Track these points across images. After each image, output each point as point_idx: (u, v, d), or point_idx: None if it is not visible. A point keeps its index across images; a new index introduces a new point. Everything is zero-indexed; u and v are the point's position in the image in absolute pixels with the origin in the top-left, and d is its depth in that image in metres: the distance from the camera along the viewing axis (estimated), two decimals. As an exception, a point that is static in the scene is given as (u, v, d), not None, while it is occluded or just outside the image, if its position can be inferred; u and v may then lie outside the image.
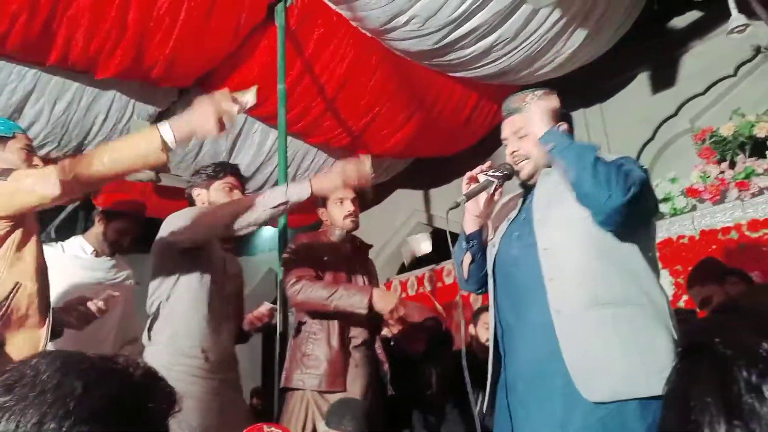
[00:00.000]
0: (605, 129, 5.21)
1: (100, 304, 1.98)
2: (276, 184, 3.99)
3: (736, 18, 3.25)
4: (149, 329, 2.13)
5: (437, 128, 4.83)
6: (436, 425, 2.71)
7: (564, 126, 1.69)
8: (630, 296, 1.47)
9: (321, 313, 2.32)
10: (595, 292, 1.49)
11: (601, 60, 4.50)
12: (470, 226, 1.77)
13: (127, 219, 2.81)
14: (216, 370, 2.13)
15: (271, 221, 2.15)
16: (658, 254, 3.83)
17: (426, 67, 4.21)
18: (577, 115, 5.33)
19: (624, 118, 5.12)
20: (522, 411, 1.55)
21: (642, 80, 5.07)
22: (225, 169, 2.39)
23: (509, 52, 3.83)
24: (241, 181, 2.44)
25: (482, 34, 3.63)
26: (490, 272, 1.73)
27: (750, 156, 3.81)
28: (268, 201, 1.99)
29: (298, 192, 1.99)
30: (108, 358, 0.68)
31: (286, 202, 1.98)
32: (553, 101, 1.71)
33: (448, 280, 5.68)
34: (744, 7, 3.58)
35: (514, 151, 1.73)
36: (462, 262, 1.81)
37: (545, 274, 1.55)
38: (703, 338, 0.35)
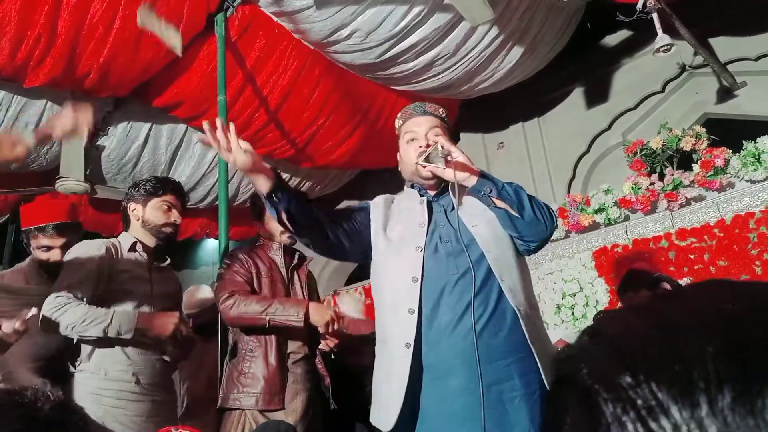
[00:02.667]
0: (543, 142, 5.38)
1: (17, 325, 1.82)
2: (216, 198, 3.92)
3: (662, 38, 3.42)
4: (72, 357, 2.04)
5: (381, 141, 4.86)
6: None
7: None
8: (534, 302, 1.69)
9: (257, 329, 2.27)
10: (529, 297, 1.65)
11: (538, 76, 4.65)
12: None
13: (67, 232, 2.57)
14: (148, 392, 2.06)
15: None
16: (594, 263, 3.91)
17: (369, 80, 4.24)
18: (517, 128, 5.49)
19: (561, 132, 5.30)
20: (500, 408, 1.51)
21: (577, 95, 5.27)
22: (165, 186, 2.29)
23: (450, 68, 3.91)
24: (181, 200, 2.34)
25: (423, 50, 3.69)
26: (412, 276, 1.67)
27: (677, 168, 4.01)
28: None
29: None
30: (15, 391, 0.64)
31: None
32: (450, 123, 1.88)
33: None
34: (669, 27, 3.78)
35: (433, 143, 1.73)
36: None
37: (498, 275, 1.60)
38: (570, 368, 0.35)
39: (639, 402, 0.31)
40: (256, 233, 2.67)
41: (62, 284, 2.01)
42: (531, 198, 1.66)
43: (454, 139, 1.90)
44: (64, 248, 2.27)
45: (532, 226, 1.63)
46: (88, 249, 2.13)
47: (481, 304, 1.58)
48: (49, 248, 2.33)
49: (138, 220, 2.25)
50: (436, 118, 1.81)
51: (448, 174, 1.64)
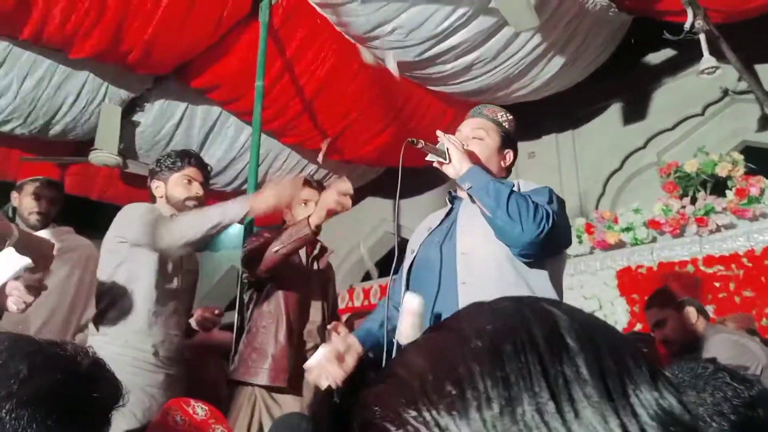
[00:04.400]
0: (575, 155, 5.32)
1: (22, 292, 1.64)
2: (246, 181, 3.95)
3: (707, 59, 3.36)
4: (98, 320, 2.08)
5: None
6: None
7: (509, 154, 1.83)
8: None
9: (273, 304, 2.32)
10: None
11: (576, 88, 4.60)
12: None
13: (58, 188, 2.69)
14: (164, 365, 2.09)
15: (203, 239, 2.12)
16: (616, 282, 3.85)
17: (406, 79, 4.24)
18: (550, 139, 5.44)
19: (594, 146, 5.24)
20: None
21: (614, 111, 5.20)
22: (184, 159, 2.29)
23: (488, 72, 3.89)
24: (203, 172, 2.34)
25: (463, 52, 3.68)
26: (404, 277, 1.77)
27: (710, 194, 3.94)
28: (206, 220, 2.00)
29: (234, 212, 2.03)
30: (57, 343, 0.66)
31: (219, 224, 1.99)
32: (511, 129, 1.86)
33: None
34: (715, 50, 3.72)
35: (467, 147, 1.81)
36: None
37: (460, 277, 1.61)
38: (367, 412, 0.37)
39: (423, 429, 0.35)
40: (281, 219, 2.69)
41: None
42: (516, 199, 1.58)
43: (510, 145, 1.84)
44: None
45: (507, 228, 1.57)
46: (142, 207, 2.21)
47: (441, 303, 1.62)
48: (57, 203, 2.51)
49: (162, 197, 2.28)
50: (489, 120, 1.83)
51: (445, 169, 1.69)
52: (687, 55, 4.59)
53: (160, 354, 2.08)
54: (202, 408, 1.73)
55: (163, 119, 4.37)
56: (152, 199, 2.34)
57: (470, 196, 1.68)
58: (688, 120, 4.85)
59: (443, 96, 4.51)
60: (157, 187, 2.29)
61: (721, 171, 3.89)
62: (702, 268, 3.84)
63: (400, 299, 1.75)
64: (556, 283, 1.66)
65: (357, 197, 6.49)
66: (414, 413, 0.36)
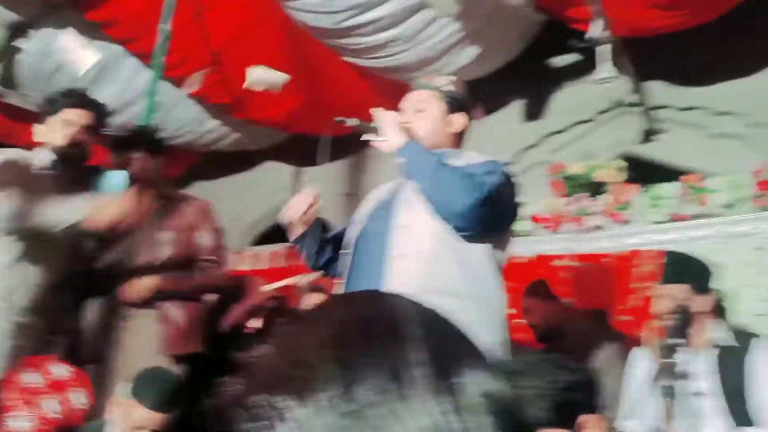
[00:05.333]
0: (477, 144, 5.51)
1: None
2: (139, 127, 3.72)
3: (604, 69, 3.58)
4: None
5: (323, 110, 4.79)
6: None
7: (457, 118, 1.78)
8: (467, 291, 1.54)
9: None
10: (434, 278, 1.55)
11: (484, 80, 4.75)
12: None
13: None
14: (15, 312, 1.95)
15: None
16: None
17: (323, 46, 4.16)
18: (454, 126, 5.58)
19: (492, 139, 5.42)
20: None
21: (515, 107, 5.42)
22: (63, 98, 2.07)
23: (404, 51, 3.91)
24: (94, 115, 2.12)
25: (382, 27, 3.67)
26: (351, 250, 1.78)
27: (591, 196, 4.24)
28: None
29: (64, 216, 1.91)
30: None
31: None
32: (457, 92, 1.82)
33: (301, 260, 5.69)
34: (615, 61, 3.97)
35: (405, 122, 1.78)
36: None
37: (394, 250, 1.61)
38: (222, 399, 0.41)
39: (270, 413, 0.38)
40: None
41: None
42: (449, 170, 1.56)
43: (458, 109, 1.79)
44: None
45: (437, 200, 1.56)
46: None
47: (365, 277, 1.64)
48: None
49: (42, 142, 2.09)
50: (428, 89, 1.80)
51: (381, 146, 1.69)
52: (589, 63, 4.86)
53: (13, 300, 1.93)
54: (65, 368, 1.64)
55: (50, 50, 3.99)
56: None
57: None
58: (581, 124, 5.16)
59: (360, 69, 4.48)
60: (36, 131, 2.08)
61: (602, 175, 4.20)
62: (572, 263, 4.16)
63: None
64: (498, 261, 1.64)
65: (257, 160, 6.37)
66: (265, 400, 0.38)
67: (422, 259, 1.56)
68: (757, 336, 2.35)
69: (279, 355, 0.41)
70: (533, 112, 5.30)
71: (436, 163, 1.58)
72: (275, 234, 6.53)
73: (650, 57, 4.54)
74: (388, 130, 1.68)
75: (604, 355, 2.65)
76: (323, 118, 4.84)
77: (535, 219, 4.34)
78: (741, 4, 3.82)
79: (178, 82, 4.35)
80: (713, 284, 2.38)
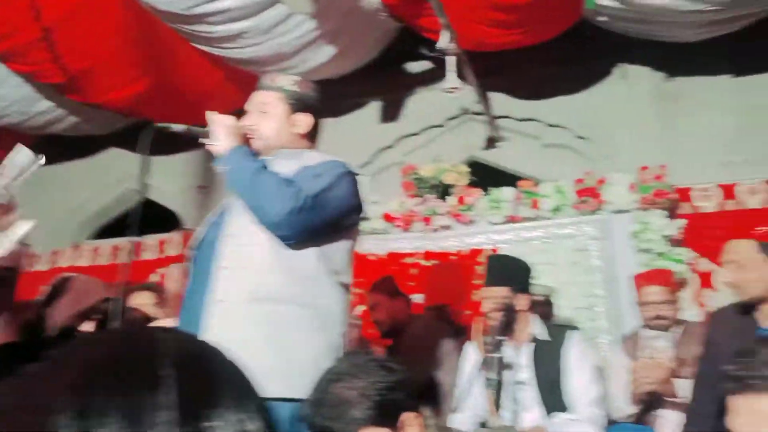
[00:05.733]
0: (333, 144, 5.55)
1: None
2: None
3: (451, 80, 3.79)
4: None
5: (173, 96, 4.55)
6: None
7: (301, 119, 1.72)
8: (294, 297, 1.51)
9: None
10: (259, 286, 1.51)
11: (341, 80, 4.81)
12: None
13: None
14: None
15: None
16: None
17: (172, 31, 3.94)
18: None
19: (351, 138, 5.52)
20: None
21: (372, 108, 5.56)
22: None
23: (258, 44, 3.83)
24: None
25: (233, 17, 3.56)
26: (192, 256, 1.72)
27: (438, 197, 4.47)
28: None
29: None
30: None
31: None
32: (303, 91, 1.76)
33: (146, 256, 5.37)
34: (460, 72, 4.21)
35: (250, 125, 1.75)
36: None
37: (221, 261, 1.56)
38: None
39: None
40: None
41: None
42: (267, 178, 1.53)
43: (303, 109, 1.74)
44: None
45: (255, 209, 1.53)
46: None
47: (197, 285, 1.60)
48: None
49: None
50: (272, 90, 1.74)
51: (211, 149, 1.65)
52: (440, 71, 5.12)
53: None
54: None
55: None
56: None
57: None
58: (433, 129, 5.42)
59: (213, 57, 4.31)
60: None
61: (449, 178, 4.44)
62: (422, 262, 4.35)
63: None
64: (335, 265, 1.59)
65: (100, 145, 5.89)
66: None
67: (247, 269, 1.52)
68: (572, 329, 2.62)
69: (13, 400, 0.37)
70: (389, 115, 5.47)
71: (254, 171, 1.54)
72: (119, 227, 6.11)
73: (493, 70, 4.89)
74: (218, 135, 1.63)
75: (444, 350, 2.81)
76: (173, 105, 4.68)
77: (387, 218, 4.48)
78: (571, 30, 4.25)
79: (3, 58, 3.89)
80: (533, 284, 2.61)
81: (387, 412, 1.21)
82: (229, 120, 1.67)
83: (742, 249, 1.95)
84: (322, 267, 1.56)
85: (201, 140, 1.66)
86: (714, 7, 3.57)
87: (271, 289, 1.51)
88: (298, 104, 1.74)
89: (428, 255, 4.35)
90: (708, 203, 4.04)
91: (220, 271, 1.55)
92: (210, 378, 0.40)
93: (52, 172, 6.13)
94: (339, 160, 1.70)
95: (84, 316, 2.30)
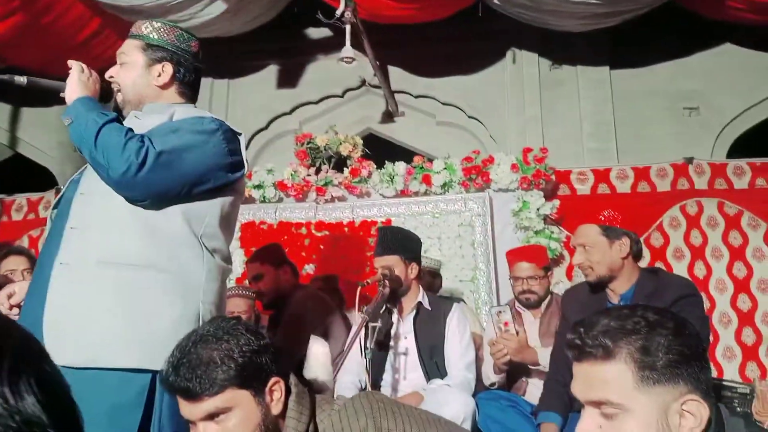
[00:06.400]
0: (227, 105, 5.36)
1: None
2: None
3: (347, 50, 3.76)
4: None
5: (45, 41, 4.15)
6: None
7: (161, 68, 1.60)
8: (152, 261, 1.41)
9: None
10: (111, 249, 1.41)
11: (239, 38, 4.62)
12: None
13: None
14: None
15: None
16: (239, 234, 3.98)
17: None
18: (206, 82, 5.32)
19: (246, 101, 5.37)
20: None
21: (270, 72, 5.40)
22: None
23: (143, -8, 3.58)
24: None
25: (117, -40, 3.29)
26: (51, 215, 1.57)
27: (333, 168, 4.44)
28: None
29: None
30: None
31: None
32: (162, 38, 1.62)
33: (17, 216, 4.93)
34: (359, 42, 4.18)
35: (109, 76, 1.61)
36: None
37: (69, 221, 1.45)
38: None
39: None
40: None
41: None
42: (110, 133, 1.41)
43: (163, 58, 1.59)
44: None
45: (96, 167, 1.42)
46: None
47: (48, 247, 1.48)
48: None
49: None
50: (131, 39, 1.61)
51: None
52: (339, 40, 5.06)
53: None
54: None
55: None
56: None
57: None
58: (331, 98, 5.37)
59: (90, 2, 3.97)
60: None
61: (344, 150, 4.43)
62: (314, 231, 4.33)
63: None
64: (203, 230, 1.49)
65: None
66: None
67: (96, 230, 1.41)
68: (456, 302, 2.74)
69: None
70: (287, 81, 5.34)
71: (96, 124, 1.40)
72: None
73: (392, 44, 4.91)
74: (69, 83, 1.49)
75: (329, 320, 2.82)
76: (44, 51, 4.27)
77: (280, 186, 4.40)
78: (468, 10, 4.34)
79: None
80: (422, 256, 2.68)
81: (252, 375, 1.19)
82: (78, 67, 1.52)
83: (588, 232, 2.12)
84: (185, 229, 1.46)
85: (51, 90, 1.51)
86: (597, 1, 3.78)
87: (123, 252, 1.40)
88: (157, 53, 1.60)
89: (320, 225, 4.33)
90: (583, 186, 4.33)
91: (69, 232, 1.43)
92: None
93: None
94: (210, 116, 1.58)
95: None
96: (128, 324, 1.36)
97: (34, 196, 4.90)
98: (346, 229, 4.31)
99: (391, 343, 2.47)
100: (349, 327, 2.80)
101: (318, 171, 4.45)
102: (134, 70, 1.59)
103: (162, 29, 1.62)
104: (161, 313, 1.39)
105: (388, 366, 2.44)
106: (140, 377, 1.34)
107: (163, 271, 1.41)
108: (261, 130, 5.33)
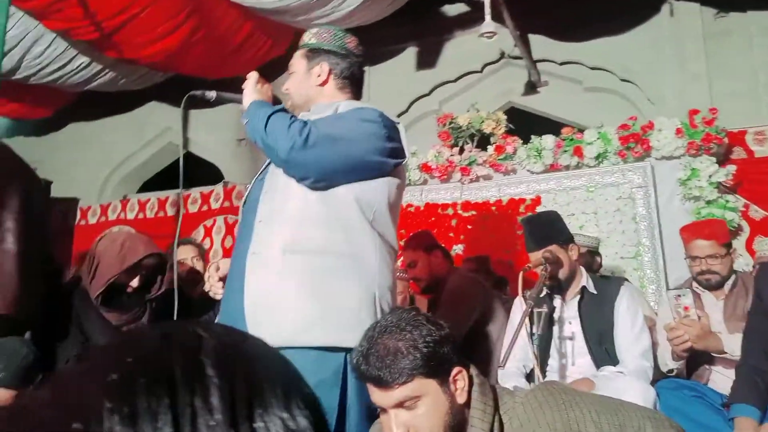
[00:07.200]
0: (368, 92, 5.47)
1: None
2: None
3: (488, 24, 3.64)
4: None
5: (205, 48, 4.51)
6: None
7: (318, 68, 1.68)
8: (331, 247, 1.50)
9: None
10: (297, 237, 1.51)
11: (376, 25, 4.67)
12: None
13: None
14: None
15: None
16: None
17: (201, -19, 3.88)
18: (346, 72, 5.49)
19: (386, 86, 5.43)
20: None
21: (408, 55, 5.41)
22: None
23: (288, -7, 3.74)
24: None
25: (265, -34, 3.46)
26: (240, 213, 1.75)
27: (476, 146, 4.37)
28: None
29: None
30: None
31: None
32: (319, 41, 1.71)
33: (193, 208, 5.47)
34: (498, 14, 4.04)
35: (283, 89, 1.75)
36: None
37: (257, 216, 1.58)
38: None
39: None
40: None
41: None
42: (276, 118, 1.53)
43: (319, 58, 1.69)
44: None
45: (266, 149, 1.55)
46: None
47: (241, 242, 1.61)
48: None
49: None
50: (298, 50, 1.73)
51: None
52: (475, 14, 4.93)
53: None
54: None
55: None
56: None
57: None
58: (470, 75, 5.26)
59: (242, 8, 4.23)
60: None
61: (487, 127, 4.33)
62: (460, 212, 4.31)
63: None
64: (371, 216, 1.55)
65: (139, 100, 5.93)
66: None
67: (279, 221, 1.53)
68: (621, 281, 2.56)
69: (52, 400, 0.36)
70: (425, 62, 5.32)
71: (266, 115, 1.53)
72: (163, 179, 6.22)
73: (533, 11, 4.68)
74: (245, 92, 1.63)
75: (486, 303, 2.78)
76: (205, 58, 4.64)
77: (425, 168, 4.42)
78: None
79: (39, 15, 3.89)
80: (576, 234, 2.53)
81: (437, 364, 1.22)
82: (254, 77, 1.66)
83: None
84: (359, 216, 1.54)
85: (233, 102, 1.67)
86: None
87: (303, 240, 1.51)
88: (316, 55, 1.69)
89: (467, 205, 4.30)
90: (762, 147, 3.85)
91: (257, 225, 1.57)
92: (254, 376, 0.38)
93: (94, 128, 6.25)
94: (371, 107, 1.64)
95: (131, 271, 2.36)
96: (316, 306, 1.46)
97: (206, 189, 5.40)
98: (493, 208, 4.23)
99: (555, 327, 2.38)
100: (506, 309, 2.74)
101: (461, 151, 4.41)
102: (298, 76, 1.71)
103: (319, 33, 1.73)
104: (344, 295, 1.48)
105: (553, 351, 2.35)
106: (335, 356, 1.43)
107: (342, 256, 1.50)
108: (402, 113, 5.37)
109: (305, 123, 1.51)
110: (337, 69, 1.70)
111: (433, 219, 4.34)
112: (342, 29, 1.79)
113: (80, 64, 4.65)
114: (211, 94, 1.64)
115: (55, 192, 4.29)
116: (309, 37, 1.74)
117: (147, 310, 2.40)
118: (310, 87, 1.70)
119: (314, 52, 1.70)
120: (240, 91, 1.67)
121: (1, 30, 2.81)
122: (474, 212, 4.26)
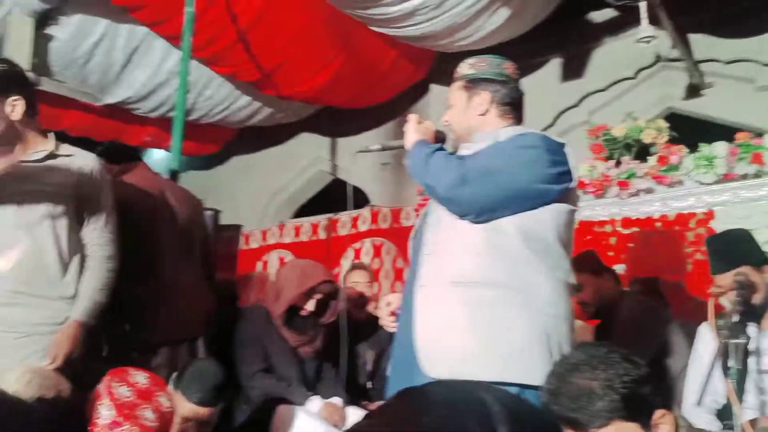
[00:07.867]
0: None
1: None
2: (173, 109, 3.70)
3: (645, 29, 3.40)
4: None
5: (352, 79, 4.72)
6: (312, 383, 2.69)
7: (479, 98, 1.70)
8: (499, 279, 1.49)
9: None
10: (463, 269, 1.52)
11: (518, 40, 4.57)
12: None
13: None
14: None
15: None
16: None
17: (349, 17, 4.06)
18: (488, 90, 5.42)
19: (530, 100, 5.24)
20: (393, 375, 1.66)
21: (552, 66, 5.23)
22: None
23: (432, 19, 3.78)
24: (27, 97, 1.92)
25: (408, -4, 3.54)
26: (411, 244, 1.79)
27: (634, 158, 4.08)
28: None
29: None
30: None
31: None
32: (477, 71, 1.73)
33: (342, 231, 5.70)
34: (653, 15, 3.76)
35: (443, 122, 1.79)
36: None
37: (425, 248, 1.62)
38: None
39: None
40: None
41: None
42: (438, 158, 1.57)
43: (479, 87, 1.72)
44: None
45: (429, 189, 1.60)
46: None
47: (411, 272, 1.65)
48: None
49: None
50: (454, 83, 1.76)
51: None
52: (626, 18, 4.63)
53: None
54: (143, 376, 1.67)
55: (81, 35, 4.00)
56: None
57: None
58: (621, 82, 4.96)
59: (386, 37, 4.37)
60: None
61: (646, 137, 4.03)
62: (619, 229, 4.04)
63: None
64: (539, 246, 1.52)
65: (292, 132, 6.34)
66: None
67: (446, 254, 1.55)
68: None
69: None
70: (571, 71, 5.10)
71: (427, 154, 1.57)
72: (314, 205, 6.57)
73: (691, 8, 4.31)
74: (407, 133, 1.68)
75: (663, 330, 2.55)
76: (353, 89, 4.84)
77: (578, 184, 4.21)
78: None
79: (209, 62, 4.32)
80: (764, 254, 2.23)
81: (636, 406, 1.13)
82: (414, 118, 1.71)
83: None
84: (522, 246, 1.51)
85: (397, 148, 1.74)
86: None
87: (470, 272, 1.51)
88: (474, 85, 1.70)
89: (627, 222, 4.01)
90: None
91: (424, 258, 1.60)
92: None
93: (253, 160, 6.78)
94: (533, 131, 1.63)
95: (307, 295, 2.54)
96: (482, 339, 1.46)
97: (354, 213, 5.60)
98: (658, 224, 3.91)
99: (749, 359, 2.12)
100: (688, 337, 2.49)
101: (618, 164, 4.14)
102: (458, 108, 1.73)
103: (475, 63, 1.76)
104: (509, 327, 1.46)
105: (750, 386, 2.09)
106: (531, 394, 1.39)
107: (504, 287, 1.49)
108: (548, 127, 5.18)
109: (462, 160, 1.54)
110: (497, 96, 1.70)
111: (588, 237, 4.11)
112: (498, 56, 1.80)
113: (243, 103, 5.07)
114: (377, 146, 1.74)
115: (222, 220, 4.72)
116: (465, 69, 1.76)
117: (321, 334, 2.56)
118: (472, 117, 1.72)
119: (473, 83, 1.72)
120: (381, 117, 1.78)
121: (184, 75, 3.16)
122: (636, 229, 3.96)
